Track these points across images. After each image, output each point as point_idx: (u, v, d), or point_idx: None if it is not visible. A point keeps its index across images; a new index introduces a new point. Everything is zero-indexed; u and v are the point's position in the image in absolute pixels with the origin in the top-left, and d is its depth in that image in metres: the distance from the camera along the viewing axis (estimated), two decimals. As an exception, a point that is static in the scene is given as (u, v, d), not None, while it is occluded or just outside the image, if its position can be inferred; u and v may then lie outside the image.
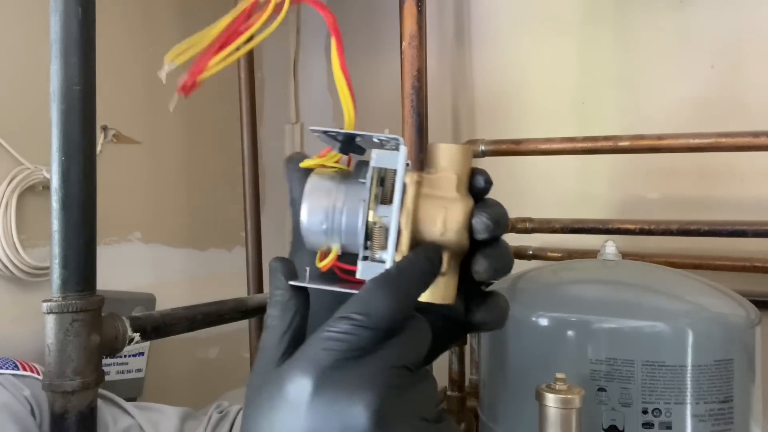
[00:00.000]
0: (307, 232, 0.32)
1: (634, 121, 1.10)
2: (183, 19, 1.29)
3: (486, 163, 1.07)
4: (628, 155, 1.01)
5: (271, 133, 1.52)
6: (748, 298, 0.70)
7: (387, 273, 0.29)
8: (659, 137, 0.90)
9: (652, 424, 0.60)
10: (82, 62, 0.49)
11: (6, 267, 0.97)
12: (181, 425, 0.62)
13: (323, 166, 0.33)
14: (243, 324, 1.20)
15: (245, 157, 1.18)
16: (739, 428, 0.62)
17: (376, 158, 0.31)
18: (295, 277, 0.32)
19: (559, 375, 0.55)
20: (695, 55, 1.06)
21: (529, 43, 1.22)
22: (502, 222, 0.31)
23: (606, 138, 0.95)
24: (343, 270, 0.33)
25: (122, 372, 1.11)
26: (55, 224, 0.49)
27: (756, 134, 0.85)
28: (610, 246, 0.76)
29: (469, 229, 0.31)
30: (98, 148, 1.11)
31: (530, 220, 1.07)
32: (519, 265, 0.62)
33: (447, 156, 0.32)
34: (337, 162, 0.33)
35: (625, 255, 0.79)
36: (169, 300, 1.01)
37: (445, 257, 0.31)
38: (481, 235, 0.31)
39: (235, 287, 1.17)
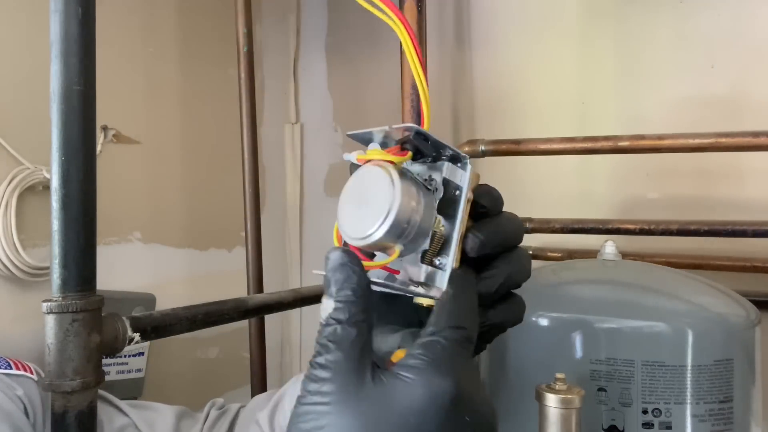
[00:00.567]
0: (391, 228, 0.33)
1: (634, 121, 1.10)
2: (183, 20, 1.29)
3: (486, 163, 1.07)
4: (628, 155, 1.01)
5: (271, 133, 1.52)
6: (748, 298, 0.70)
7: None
8: (659, 137, 0.90)
9: (652, 424, 0.60)
10: (82, 62, 0.49)
11: (6, 267, 0.97)
12: (177, 423, 0.62)
13: (391, 162, 0.34)
14: (243, 324, 1.21)
15: (245, 157, 1.18)
16: (739, 428, 0.62)
17: (448, 172, 0.35)
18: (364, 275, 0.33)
19: (559, 375, 0.55)
20: (695, 55, 1.06)
21: (529, 43, 1.22)
22: (504, 237, 0.36)
23: (606, 138, 0.95)
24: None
25: (122, 372, 1.11)
26: (55, 224, 0.49)
27: (756, 134, 0.85)
28: (610, 246, 0.76)
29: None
30: (98, 148, 1.11)
31: (530, 220, 1.07)
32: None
33: (473, 182, 0.36)
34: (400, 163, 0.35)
35: (625, 255, 0.79)
36: (169, 300, 1.01)
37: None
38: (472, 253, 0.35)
39: (235, 287, 1.17)
